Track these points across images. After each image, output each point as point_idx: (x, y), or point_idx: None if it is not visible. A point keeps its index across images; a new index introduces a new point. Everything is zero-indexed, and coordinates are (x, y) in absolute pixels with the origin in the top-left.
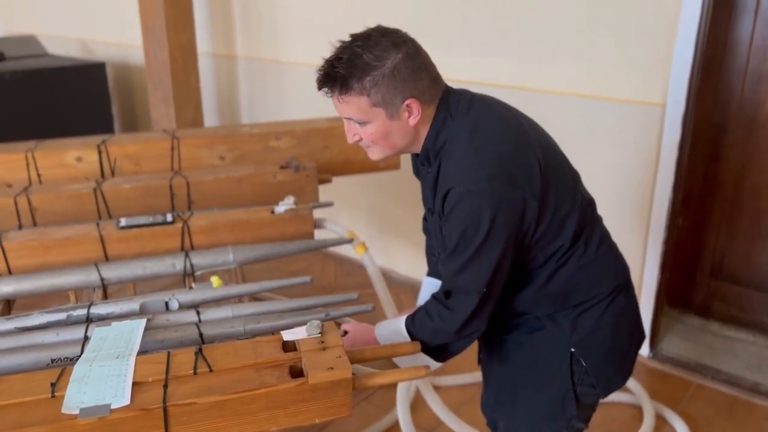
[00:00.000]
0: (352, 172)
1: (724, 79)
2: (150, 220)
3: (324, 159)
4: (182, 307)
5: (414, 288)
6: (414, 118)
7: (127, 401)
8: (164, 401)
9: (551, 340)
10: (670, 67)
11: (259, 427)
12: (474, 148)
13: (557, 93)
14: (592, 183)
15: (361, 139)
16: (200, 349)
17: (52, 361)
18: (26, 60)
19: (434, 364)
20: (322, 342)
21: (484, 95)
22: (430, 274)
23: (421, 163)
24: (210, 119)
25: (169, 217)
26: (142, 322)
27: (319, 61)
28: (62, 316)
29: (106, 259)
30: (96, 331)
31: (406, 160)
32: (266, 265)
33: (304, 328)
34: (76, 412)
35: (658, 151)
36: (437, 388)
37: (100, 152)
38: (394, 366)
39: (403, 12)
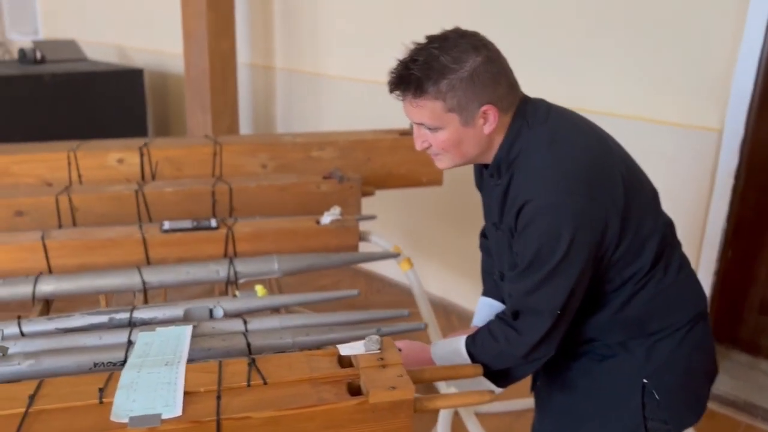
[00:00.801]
0: (394, 186)
1: None
2: (194, 224)
3: (366, 171)
4: (227, 315)
5: (446, 309)
6: (489, 125)
7: (178, 412)
8: (218, 414)
9: (622, 370)
10: (729, 92)
11: None
12: (554, 159)
13: (612, 114)
14: None
15: (430, 146)
16: (253, 360)
17: (95, 365)
18: (66, 64)
19: (494, 389)
20: (382, 359)
21: (562, 107)
22: (486, 294)
23: (491, 174)
24: (245, 129)
25: (213, 223)
26: (188, 329)
27: (358, 74)
28: (104, 318)
29: (148, 262)
30: (140, 336)
31: (447, 176)
32: (295, 279)
33: (361, 343)
34: (126, 420)
35: (712, 179)
36: (478, 415)
37: (141, 155)
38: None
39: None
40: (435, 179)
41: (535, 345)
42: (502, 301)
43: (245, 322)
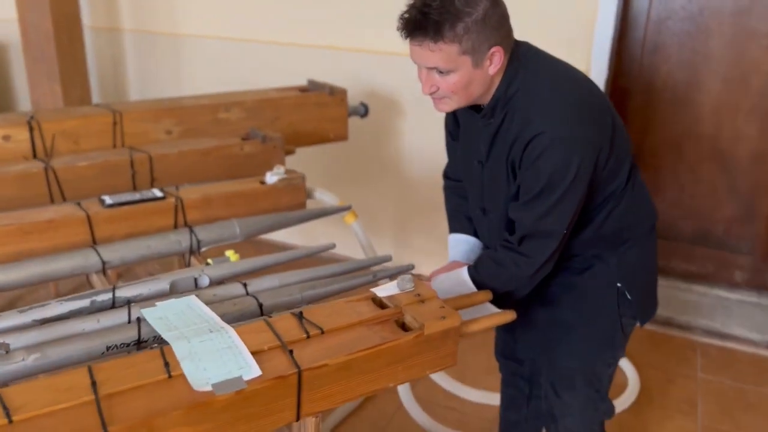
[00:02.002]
0: (302, 144)
1: (627, 49)
2: (138, 196)
3: (275, 130)
4: (212, 283)
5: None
6: (494, 66)
7: (258, 371)
8: (298, 366)
9: (600, 278)
10: (592, 39)
11: (381, 384)
12: (559, 94)
13: None
14: None
15: (437, 90)
16: (301, 313)
17: (108, 349)
18: None
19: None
20: (419, 295)
21: (543, 50)
22: (459, 231)
23: (483, 115)
24: (95, 99)
25: (157, 192)
26: (192, 298)
27: (221, 32)
28: (85, 302)
29: (94, 242)
30: (147, 312)
31: (351, 131)
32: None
33: (394, 283)
34: (209, 388)
35: None
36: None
37: (31, 129)
38: None
39: None
40: (341, 134)
41: (542, 265)
42: (475, 235)
43: (245, 285)
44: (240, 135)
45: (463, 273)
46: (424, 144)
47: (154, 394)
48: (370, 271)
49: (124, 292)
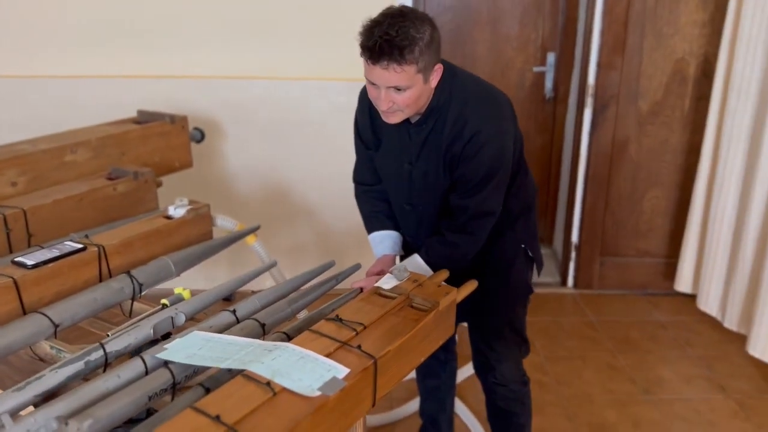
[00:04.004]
0: None
1: None
2: (56, 252)
3: (124, 166)
4: (188, 318)
5: None
6: (435, 80)
7: (346, 369)
8: (373, 357)
9: (509, 242)
10: None
11: (420, 358)
12: (488, 97)
13: (303, 78)
14: (345, 157)
15: (392, 105)
16: (338, 317)
17: (150, 398)
18: None
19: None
20: (416, 280)
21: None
22: (380, 229)
23: (417, 123)
24: None
25: (74, 243)
26: (201, 333)
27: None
28: (80, 365)
29: (23, 308)
30: (169, 355)
31: (199, 158)
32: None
33: (391, 276)
34: (318, 392)
35: None
36: None
37: None
38: None
39: (150, 13)
40: (186, 162)
41: (484, 238)
42: (396, 229)
43: (234, 311)
44: (90, 177)
45: (418, 259)
46: (248, 162)
47: (275, 411)
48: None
49: (115, 345)
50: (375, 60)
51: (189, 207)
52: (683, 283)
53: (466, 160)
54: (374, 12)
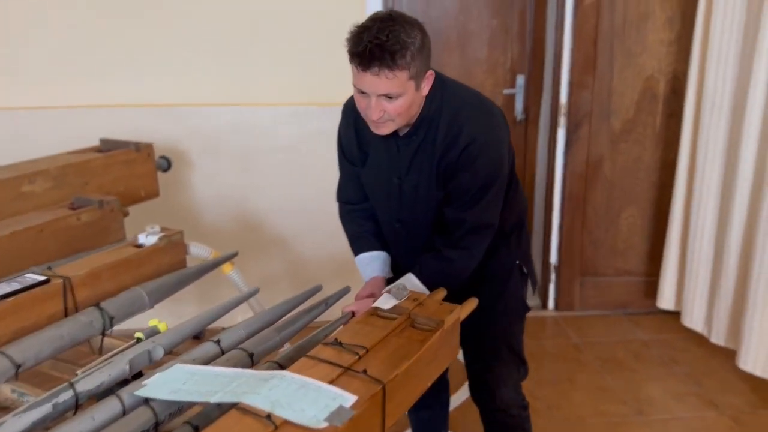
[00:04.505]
0: None
1: None
2: (16, 285)
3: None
4: (167, 352)
5: None
6: (427, 88)
7: (353, 396)
8: (381, 382)
9: (504, 258)
10: None
11: (426, 383)
12: (481, 106)
13: (273, 104)
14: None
15: (383, 114)
16: (336, 340)
17: None
18: None
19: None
20: (416, 299)
21: None
22: (367, 249)
23: (406, 134)
24: None
25: (36, 276)
26: (184, 366)
27: None
28: (47, 408)
29: None
30: (150, 392)
31: (165, 188)
32: None
33: (389, 296)
34: (325, 424)
35: None
36: None
37: None
38: None
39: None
40: (152, 191)
41: (480, 254)
42: (384, 249)
43: (218, 342)
44: (49, 208)
45: (413, 278)
46: (218, 191)
47: None
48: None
49: (85, 385)
50: (365, 66)
51: (161, 234)
52: (665, 300)
53: (462, 170)
54: (342, 35)
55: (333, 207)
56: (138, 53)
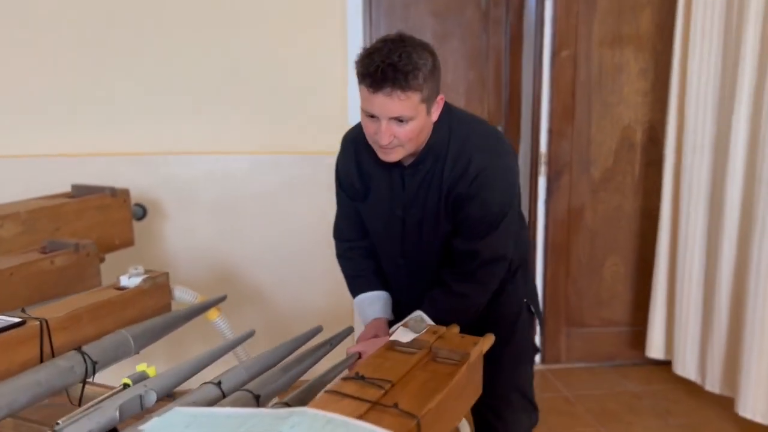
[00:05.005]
0: None
1: None
2: None
3: None
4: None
5: None
6: (436, 113)
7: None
8: (415, 416)
9: (511, 297)
10: (347, 120)
11: (455, 421)
12: (486, 132)
13: (252, 152)
14: (297, 233)
15: (393, 139)
16: (357, 374)
17: None
18: None
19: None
20: (435, 332)
21: None
22: (370, 289)
23: (411, 164)
24: None
25: (11, 318)
26: (185, 409)
27: None
28: None
29: None
30: None
31: (138, 237)
32: None
33: (405, 329)
34: None
35: None
36: None
37: None
38: None
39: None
40: (127, 240)
41: (494, 288)
42: (384, 288)
43: (219, 384)
44: (18, 253)
45: (424, 315)
46: (193, 242)
47: None
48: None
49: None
50: (377, 87)
51: (145, 276)
52: (655, 349)
53: (472, 199)
54: (322, 83)
55: (313, 257)
56: (111, 100)
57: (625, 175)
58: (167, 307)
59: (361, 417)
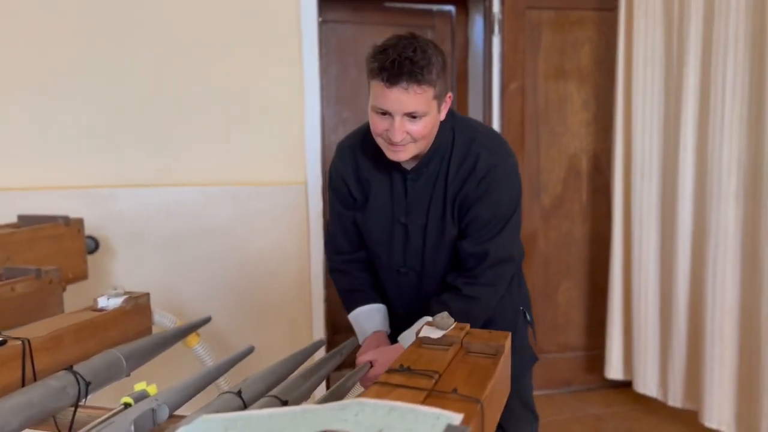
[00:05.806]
0: None
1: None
2: None
3: None
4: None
5: None
6: (444, 112)
7: (459, 415)
8: (478, 398)
9: (507, 305)
10: (304, 150)
11: (497, 414)
12: (489, 131)
13: (206, 184)
14: (253, 266)
15: (405, 136)
16: (402, 365)
17: None
18: None
19: None
20: (462, 328)
21: None
22: (366, 303)
23: (416, 168)
24: None
25: None
26: (211, 416)
27: None
28: None
29: None
30: None
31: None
32: None
33: (431, 328)
34: None
35: (307, 223)
36: None
37: None
38: None
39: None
40: (80, 273)
41: (504, 290)
42: (382, 301)
43: (239, 393)
44: None
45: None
46: (142, 278)
47: None
48: (336, 349)
49: None
50: (393, 80)
51: (126, 296)
52: (614, 370)
53: (481, 199)
54: (278, 114)
55: (272, 292)
56: (54, 131)
57: (573, 203)
58: (149, 330)
59: (422, 404)
